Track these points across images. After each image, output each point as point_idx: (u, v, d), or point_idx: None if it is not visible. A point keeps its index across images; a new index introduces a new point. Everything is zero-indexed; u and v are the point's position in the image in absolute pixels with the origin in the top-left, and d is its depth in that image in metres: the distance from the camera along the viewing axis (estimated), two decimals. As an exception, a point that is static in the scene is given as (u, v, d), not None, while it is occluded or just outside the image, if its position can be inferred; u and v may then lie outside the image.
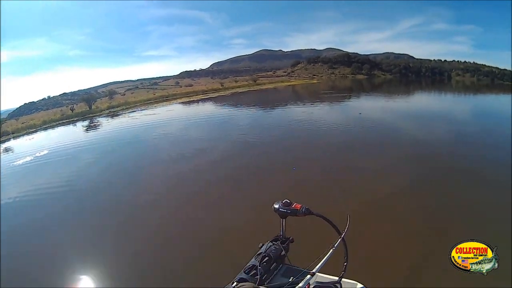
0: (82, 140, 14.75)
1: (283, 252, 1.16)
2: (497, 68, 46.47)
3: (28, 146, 15.61)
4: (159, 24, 74.36)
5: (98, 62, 68.04)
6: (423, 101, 24.92)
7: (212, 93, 36.10)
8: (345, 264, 1.14)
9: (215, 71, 59.46)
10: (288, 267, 1.15)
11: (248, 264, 1.07)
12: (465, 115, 16.41)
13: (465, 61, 49.76)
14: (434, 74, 50.17)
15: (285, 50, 65.93)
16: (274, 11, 73.16)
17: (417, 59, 53.62)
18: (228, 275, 1.03)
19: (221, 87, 40.97)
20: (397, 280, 3.50)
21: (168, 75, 56.52)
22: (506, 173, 6.47)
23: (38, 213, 6.51)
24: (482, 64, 48.17)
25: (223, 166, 8.48)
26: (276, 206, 1.15)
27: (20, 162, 11.74)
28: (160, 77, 55.53)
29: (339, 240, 1.15)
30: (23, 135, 21.16)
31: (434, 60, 52.18)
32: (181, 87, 44.46)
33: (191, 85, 43.91)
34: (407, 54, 56.19)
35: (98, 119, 23.93)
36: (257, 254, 1.12)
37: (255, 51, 66.55)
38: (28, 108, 38.99)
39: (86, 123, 22.68)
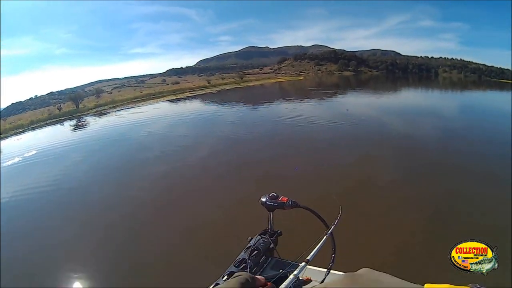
0: (70, 140, 15.07)
1: (271, 245, 1.17)
2: (484, 65, 47.22)
3: (17, 147, 15.69)
4: (145, 21, 73.05)
5: (85, 61, 66.44)
6: (410, 98, 25.66)
7: (199, 90, 36.22)
8: (333, 255, 1.15)
9: (202, 68, 59.07)
10: (277, 260, 1.18)
11: (237, 258, 1.08)
12: (452, 111, 16.90)
13: (452, 58, 50.10)
14: (421, 70, 50.41)
15: (272, 47, 65.87)
16: (260, 8, 72.90)
17: (404, 55, 53.92)
18: (219, 269, 1.05)
19: (207, 84, 41.13)
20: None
21: (155, 72, 55.73)
22: (494, 165, 7.18)
23: (25, 212, 6.69)
24: (469, 61, 48.76)
25: (209, 162, 8.87)
26: (263, 199, 1.17)
27: (9, 163, 11.88)
28: (146, 74, 54.84)
29: (328, 232, 1.14)
30: (11, 135, 21.06)
31: (421, 56, 52.52)
32: (167, 84, 44.38)
33: (178, 83, 43.89)
34: (394, 51, 56.36)
35: (86, 118, 24.00)
36: (246, 248, 1.13)
37: (242, 48, 66.16)
38: (16, 108, 38.34)
39: (73, 122, 22.83)
